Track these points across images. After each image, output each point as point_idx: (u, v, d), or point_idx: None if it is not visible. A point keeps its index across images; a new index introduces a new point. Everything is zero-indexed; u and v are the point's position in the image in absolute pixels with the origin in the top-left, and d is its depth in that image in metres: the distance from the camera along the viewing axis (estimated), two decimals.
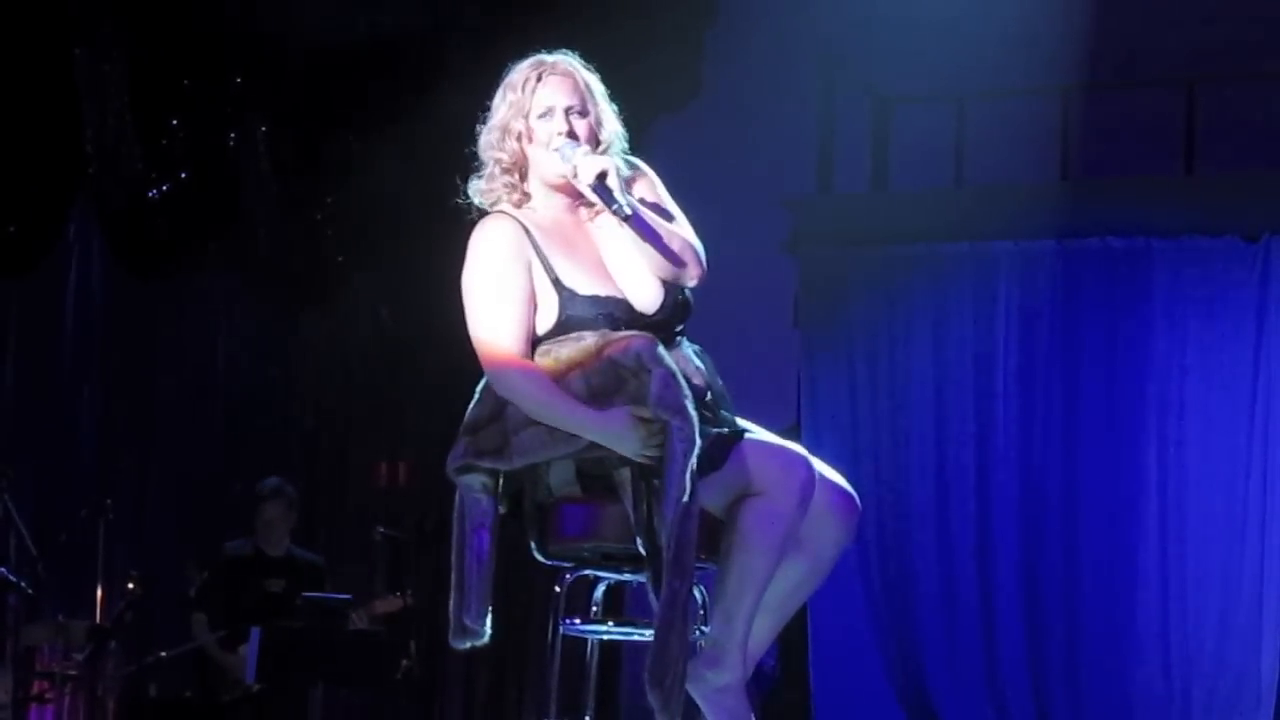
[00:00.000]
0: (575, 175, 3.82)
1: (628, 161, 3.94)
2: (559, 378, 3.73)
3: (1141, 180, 8.89)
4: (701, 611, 3.87)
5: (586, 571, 3.94)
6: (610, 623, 4.11)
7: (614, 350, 3.71)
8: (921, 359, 8.80)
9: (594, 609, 4.10)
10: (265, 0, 8.26)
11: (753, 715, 3.82)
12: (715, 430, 3.72)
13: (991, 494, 8.66)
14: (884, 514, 8.72)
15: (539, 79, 3.87)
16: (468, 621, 3.79)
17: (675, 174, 4.16)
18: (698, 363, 3.86)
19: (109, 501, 8.22)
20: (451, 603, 3.80)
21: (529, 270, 3.80)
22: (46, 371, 9.30)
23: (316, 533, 9.25)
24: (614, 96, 3.97)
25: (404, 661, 7.97)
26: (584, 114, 3.88)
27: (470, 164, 3.96)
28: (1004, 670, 8.56)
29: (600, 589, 4.10)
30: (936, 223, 8.85)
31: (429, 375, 9.01)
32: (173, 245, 8.62)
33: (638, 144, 4.04)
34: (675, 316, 3.88)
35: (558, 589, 3.89)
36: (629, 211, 3.77)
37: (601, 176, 3.78)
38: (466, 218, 3.92)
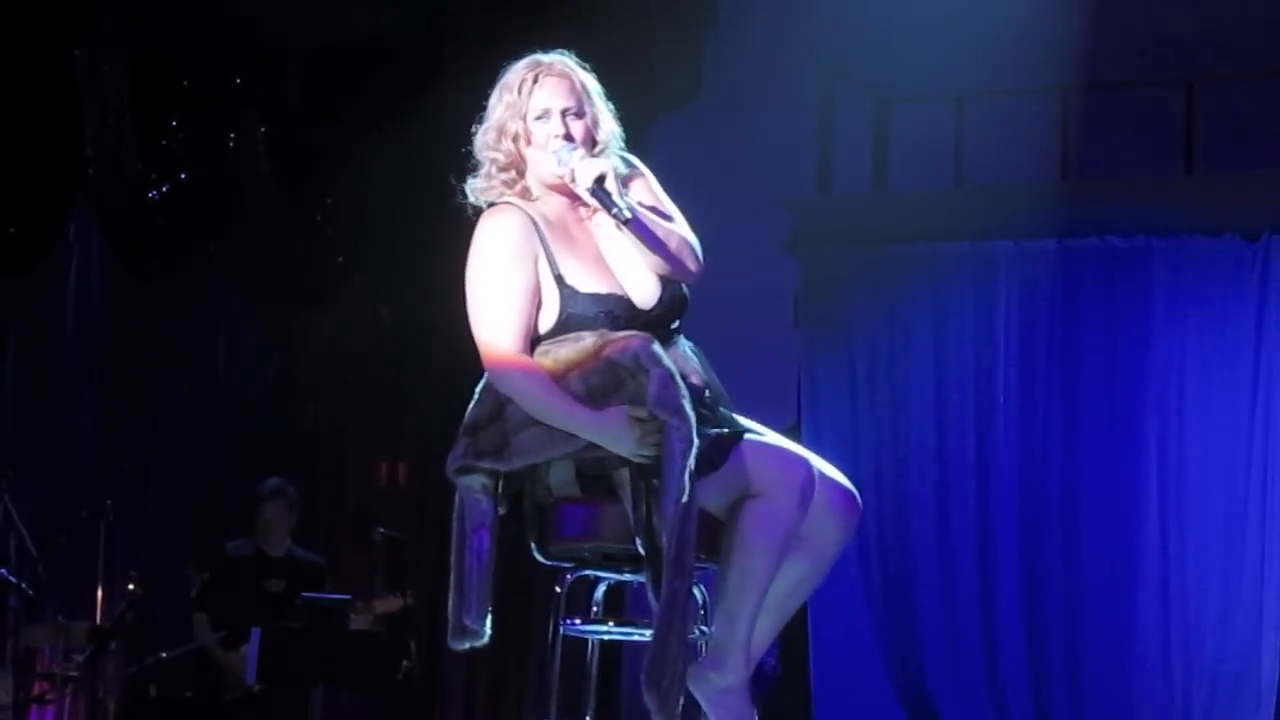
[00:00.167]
0: (573, 179, 3.81)
1: (624, 159, 3.94)
2: (558, 378, 3.72)
3: (1141, 180, 8.88)
4: (702, 611, 3.88)
5: (586, 572, 3.94)
6: (610, 623, 4.11)
7: (612, 351, 3.71)
8: (921, 359, 8.79)
9: (594, 609, 4.11)
10: (265, 1, 8.26)
11: (755, 715, 3.82)
12: (714, 431, 3.72)
13: (992, 493, 8.65)
14: (884, 514, 8.71)
15: (535, 80, 3.86)
16: (468, 622, 3.79)
17: (675, 174, 4.16)
18: (695, 361, 3.87)
19: (109, 502, 8.21)
20: (451, 603, 3.80)
21: (535, 264, 3.79)
22: (46, 371, 9.28)
23: (316, 533, 9.24)
24: (614, 96, 3.96)
25: (404, 661, 7.95)
26: (580, 115, 3.87)
27: (468, 164, 3.95)
28: (1004, 669, 8.55)
29: (600, 589, 4.10)
30: (936, 223, 8.84)
31: (429, 375, 9.00)
32: (173, 245, 8.62)
33: (638, 144, 4.04)
34: (673, 311, 3.88)
35: (558, 589, 3.89)
36: (628, 215, 3.77)
37: (599, 180, 3.78)
38: (466, 217, 3.92)
